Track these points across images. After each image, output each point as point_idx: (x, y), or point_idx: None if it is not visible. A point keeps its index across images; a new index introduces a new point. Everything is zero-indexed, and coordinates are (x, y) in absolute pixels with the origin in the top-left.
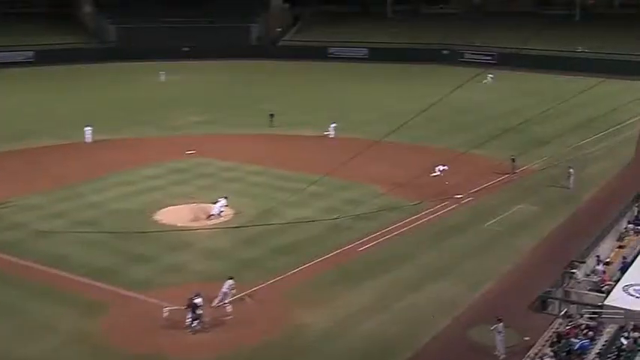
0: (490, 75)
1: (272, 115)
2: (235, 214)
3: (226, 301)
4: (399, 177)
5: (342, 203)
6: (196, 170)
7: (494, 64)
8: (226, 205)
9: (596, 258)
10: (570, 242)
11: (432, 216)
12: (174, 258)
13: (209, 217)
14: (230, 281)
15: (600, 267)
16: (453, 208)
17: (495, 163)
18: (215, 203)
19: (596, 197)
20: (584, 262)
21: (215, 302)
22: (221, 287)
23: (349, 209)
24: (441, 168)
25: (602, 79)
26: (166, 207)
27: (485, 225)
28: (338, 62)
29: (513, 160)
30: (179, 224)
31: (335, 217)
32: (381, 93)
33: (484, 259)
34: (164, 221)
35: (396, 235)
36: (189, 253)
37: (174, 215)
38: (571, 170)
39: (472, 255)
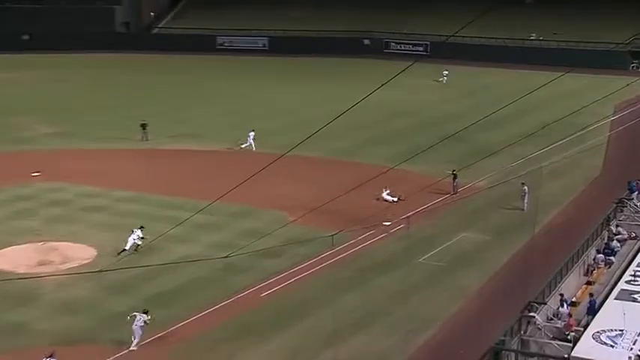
0: (445, 71)
1: (144, 126)
2: (98, 254)
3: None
4: (312, 200)
5: (240, 236)
6: (46, 197)
7: (427, 55)
8: (142, 238)
9: (559, 297)
10: (527, 278)
11: (354, 249)
12: (16, 315)
13: (119, 253)
14: (143, 316)
15: (565, 309)
16: (381, 239)
17: (432, 180)
18: (130, 235)
19: (557, 221)
20: (544, 304)
21: (133, 344)
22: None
23: (248, 243)
24: (386, 192)
25: (561, 74)
26: (5, 247)
27: (421, 259)
28: (230, 55)
29: (454, 176)
30: (21, 270)
31: (230, 253)
32: (287, 94)
33: (421, 303)
34: (1, 266)
35: (309, 275)
36: (36, 307)
37: (15, 258)
38: (525, 188)
39: (405, 298)
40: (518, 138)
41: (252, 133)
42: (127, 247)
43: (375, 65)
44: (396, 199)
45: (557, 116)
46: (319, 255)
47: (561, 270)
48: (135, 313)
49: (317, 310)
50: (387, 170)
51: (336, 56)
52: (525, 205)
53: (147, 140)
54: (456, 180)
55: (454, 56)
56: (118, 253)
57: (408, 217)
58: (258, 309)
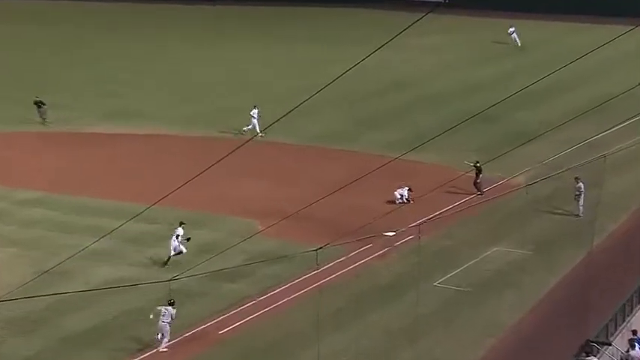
0: (511, 28)
1: (40, 105)
2: None
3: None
4: (289, 203)
5: (191, 252)
6: None
7: (444, 3)
8: (189, 239)
9: (628, 336)
10: (583, 310)
11: (345, 270)
12: None
13: (165, 263)
14: (169, 309)
15: (637, 351)
16: (382, 255)
17: (451, 175)
18: (172, 237)
19: (624, 231)
20: (608, 344)
21: (163, 345)
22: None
23: (203, 261)
24: (403, 193)
25: (631, 28)
26: None
27: (437, 282)
28: (166, 3)
29: (478, 170)
30: None
31: (177, 275)
32: (253, 58)
33: (435, 344)
34: None
35: (284, 304)
36: None
37: None
38: (580, 185)
39: (413, 337)
40: (569, 117)
41: (255, 111)
42: (184, 251)
43: (373, 18)
44: (406, 196)
45: (623, 87)
46: (299, 277)
47: (631, 298)
48: (159, 307)
49: (295, 353)
50: (389, 162)
51: (316, 4)
52: (580, 208)
53: (46, 122)
54: (481, 175)
55: (479, 5)
56: (164, 264)
57: (418, 225)
58: (215, 351)
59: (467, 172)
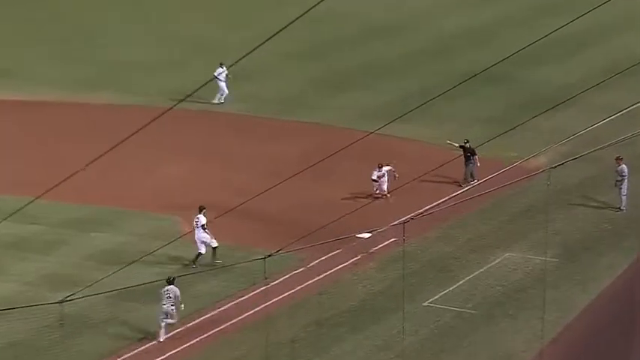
0: None
1: None
2: None
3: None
4: (225, 194)
5: (89, 262)
6: None
7: None
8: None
9: None
10: (626, 338)
11: (304, 285)
12: None
13: (195, 261)
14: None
15: None
16: (354, 265)
17: (445, 155)
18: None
19: None
20: None
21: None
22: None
23: (106, 276)
24: (385, 171)
25: None
26: None
27: (428, 302)
28: None
29: (468, 151)
30: None
31: (70, 295)
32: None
33: None
34: None
35: (219, 333)
36: None
37: None
38: (623, 168)
39: None
40: (606, 75)
41: (221, 70)
42: (202, 250)
43: None
44: (386, 177)
45: None
46: (239, 296)
47: None
48: (161, 290)
49: None
50: (362, 137)
51: None
52: (623, 199)
53: None
54: (474, 158)
55: None
56: (194, 262)
57: (402, 223)
58: None
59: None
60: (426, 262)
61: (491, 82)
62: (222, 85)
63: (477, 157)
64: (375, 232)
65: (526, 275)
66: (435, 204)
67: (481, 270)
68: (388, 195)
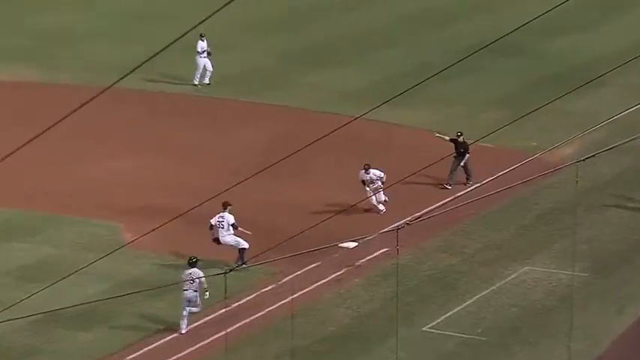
0: None
1: None
2: None
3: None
4: (175, 195)
5: (4, 282)
6: None
7: None
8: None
9: None
10: None
11: (273, 307)
12: None
13: (238, 265)
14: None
15: None
16: (336, 281)
17: (447, 145)
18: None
19: None
20: None
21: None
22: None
23: (29, 296)
24: (374, 177)
25: None
26: None
27: (426, 327)
28: None
29: (460, 146)
30: None
31: None
32: None
33: None
34: None
35: None
36: None
37: None
38: None
39: None
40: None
41: (203, 44)
42: (244, 245)
43: None
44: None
45: None
46: (193, 320)
47: None
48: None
49: None
50: (345, 124)
51: None
52: None
53: None
54: (467, 156)
55: None
56: (243, 262)
57: (395, 230)
58: None
59: (478, 140)
60: (424, 277)
61: (503, 55)
62: (207, 62)
63: (469, 155)
64: (362, 241)
65: (548, 294)
66: (435, 206)
67: (493, 287)
68: (382, 209)
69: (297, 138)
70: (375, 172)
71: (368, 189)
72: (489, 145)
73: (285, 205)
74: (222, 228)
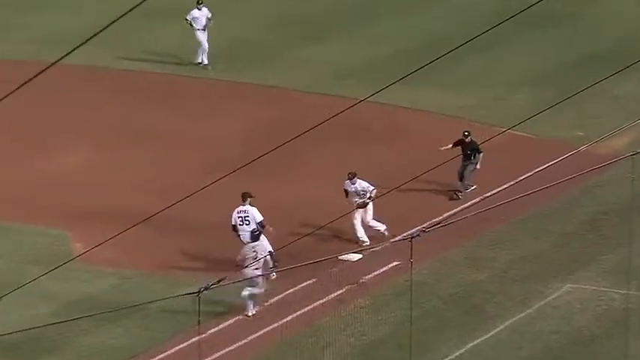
0: None
1: None
2: None
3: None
4: (139, 195)
5: None
6: None
7: None
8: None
9: None
10: None
11: (257, 334)
12: None
13: None
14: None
15: None
16: (338, 300)
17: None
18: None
19: None
20: None
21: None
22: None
23: None
24: (360, 188)
25: None
26: None
27: (451, 357)
28: None
29: (469, 148)
30: None
31: None
32: None
33: None
34: None
35: None
36: None
37: None
38: None
39: None
40: None
41: (197, 13)
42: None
43: None
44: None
45: None
46: (161, 352)
47: None
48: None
49: None
50: (346, 109)
51: None
52: None
53: None
54: (479, 156)
55: None
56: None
57: (410, 238)
58: None
59: (502, 132)
60: (445, 297)
61: (540, 25)
62: (200, 36)
63: (481, 155)
64: (367, 252)
65: (598, 317)
66: (456, 210)
67: (529, 310)
68: (380, 228)
69: (286, 125)
70: (361, 184)
71: (353, 202)
72: (524, 135)
73: (272, 208)
74: (242, 225)
